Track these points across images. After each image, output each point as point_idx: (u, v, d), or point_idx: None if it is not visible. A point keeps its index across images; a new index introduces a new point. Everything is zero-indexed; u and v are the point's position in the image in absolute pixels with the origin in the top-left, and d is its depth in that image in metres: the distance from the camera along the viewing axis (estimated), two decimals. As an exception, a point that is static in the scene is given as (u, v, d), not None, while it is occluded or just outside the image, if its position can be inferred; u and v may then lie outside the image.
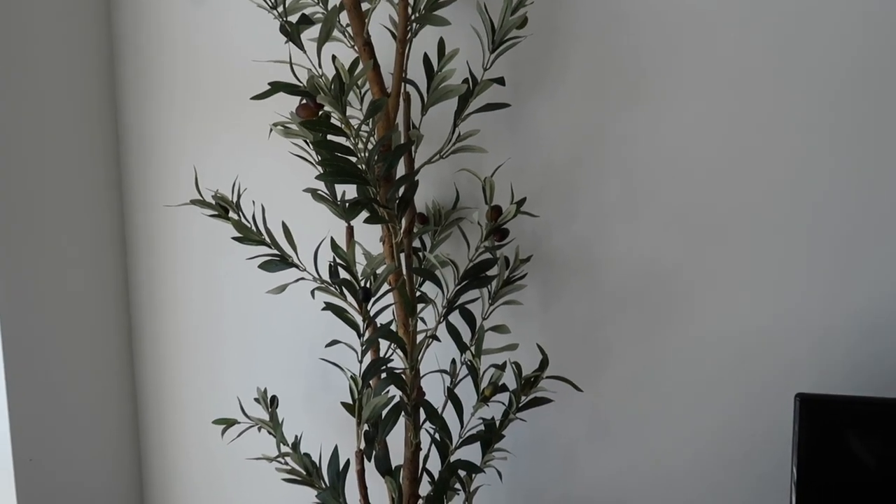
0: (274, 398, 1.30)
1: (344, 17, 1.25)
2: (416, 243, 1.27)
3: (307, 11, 1.18)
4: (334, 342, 1.14)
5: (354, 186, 1.35)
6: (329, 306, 1.11)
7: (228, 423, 1.30)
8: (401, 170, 1.27)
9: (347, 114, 1.06)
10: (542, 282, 1.34)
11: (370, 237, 1.37)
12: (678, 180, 1.25)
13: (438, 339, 1.20)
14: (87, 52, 1.50)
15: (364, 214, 1.13)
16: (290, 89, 1.01)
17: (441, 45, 1.17)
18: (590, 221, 1.30)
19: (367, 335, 1.14)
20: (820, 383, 1.23)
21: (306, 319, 1.49)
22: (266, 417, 1.31)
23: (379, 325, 1.18)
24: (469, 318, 1.25)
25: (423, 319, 1.25)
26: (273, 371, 1.54)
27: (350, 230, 1.23)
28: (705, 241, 1.25)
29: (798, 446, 1.07)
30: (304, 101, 1.05)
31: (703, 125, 1.23)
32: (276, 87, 1.01)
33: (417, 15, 1.14)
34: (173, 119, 1.54)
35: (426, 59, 1.17)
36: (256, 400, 1.30)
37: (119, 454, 1.61)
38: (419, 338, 1.20)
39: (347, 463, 1.22)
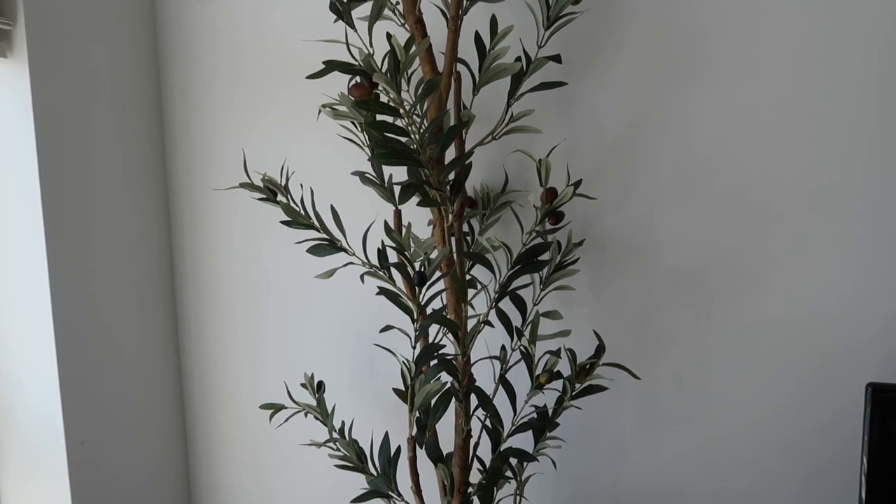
0: (321, 384, 1.29)
1: (393, -5, 1.22)
2: (464, 227, 1.24)
3: (356, -11, 1.15)
4: (388, 328, 1.12)
5: (400, 171, 1.33)
6: (383, 291, 1.09)
7: (276, 408, 1.29)
8: (450, 152, 1.24)
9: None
10: (594, 266, 1.30)
11: (415, 221, 1.35)
12: (736, 160, 1.21)
13: (491, 325, 1.17)
14: (132, 37, 1.49)
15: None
16: (346, 68, 0.98)
17: (493, 22, 1.14)
18: (644, 203, 1.26)
19: (419, 321, 1.12)
20: (886, 370, 1.19)
21: (351, 304, 1.47)
22: (313, 403, 1.30)
23: (429, 311, 1.16)
24: (520, 303, 1.22)
25: (472, 305, 1.22)
26: (318, 356, 1.53)
27: (398, 214, 1.21)
28: (764, 222, 1.21)
29: (869, 436, 1.03)
30: (359, 81, 1.02)
31: (762, 104, 1.18)
32: (332, 65, 0.98)
33: (470, -9, 1.10)
34: (217, 102, 1.53)
35: (478, 38, 1.14)
36: (303, 385, 1.29)
37: (166, 436, 1.62)
38: (470, 323, 1.17)
39: (398, 450, 1.21)
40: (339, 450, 1.22)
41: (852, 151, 1.15)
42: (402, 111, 1.01)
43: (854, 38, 1.12)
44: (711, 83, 1.20)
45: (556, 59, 1.13)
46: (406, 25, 1.10)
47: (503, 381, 1.19)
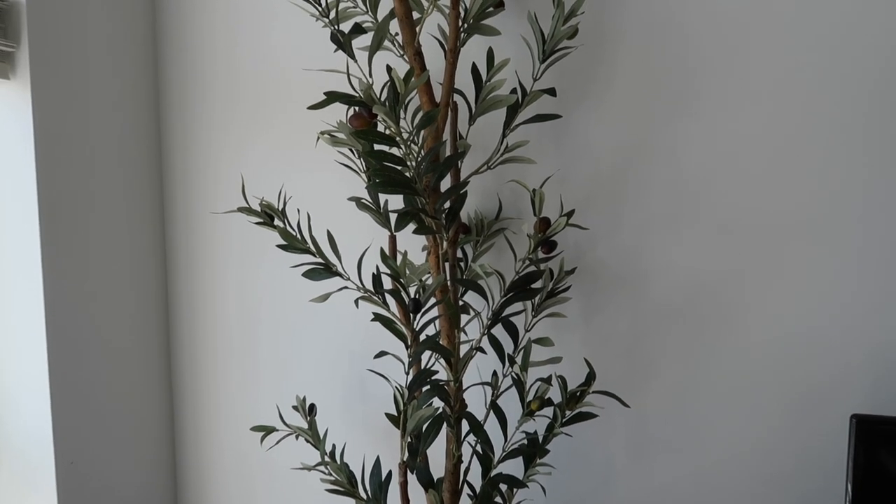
0: (313, 406, 1.30)
1: (393, 26, 1.25)
2: (458, 254, 1.26)
3: (357, 20, 1.18)
4: (382, 353, 1.13)
5: (395, 196, 1.35)
6: (378, 317, 1.10)
7: (267, 430, 1.29)
8: (445, 180, 1.26)
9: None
10: (586, 294, 1.32)
11: (410, 247, 1.37)
12: (726, 191, 1.24)
13: (484, 352, 1.19)
14: (132, 61, 1.51)
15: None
16: (346, 99, 1.00)
17: (490, 54, 1.17)
18: (635, 232, 1.29)
19: (413, 347, 1.13)
20: (870, 400, 1.21)
21: (343, 328, 1.48)
22: (304, 425, 1.30)
23: (422, 337, 1.17)
24: (512, 330, 1.24)
25: (464, 331, 1.24)
26: (311, 379, 1.53)
27: (393, 239, 1.23)
28: (753, 252, 1.24)
29: (853, 465, 1.05)
30: (358, 111, 1.05)
31: (751, 135, 1.21)
32: (333, 97, 1.01)
33: (468, 25, 1.13)
34: (215, 126, 1.55)
35: (475, 70, 1.17)
36: (295, 408, 1.30)
37: (156, 459, 1.62)
38: (463, 349, 1.19)
39: (389, 474, 1.21)
40: (330, 473, 1.22)
41: (839, 184, 1.18)
42: (399, 140, 1.03)
43: (842, 73, 1.16)
44: (701, 116, 1.23)
45: (552, 92, 1.16)
46: (405, 57, 1.13)
47: (494, 407, 1.21)
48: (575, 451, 1.36)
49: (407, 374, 1.12)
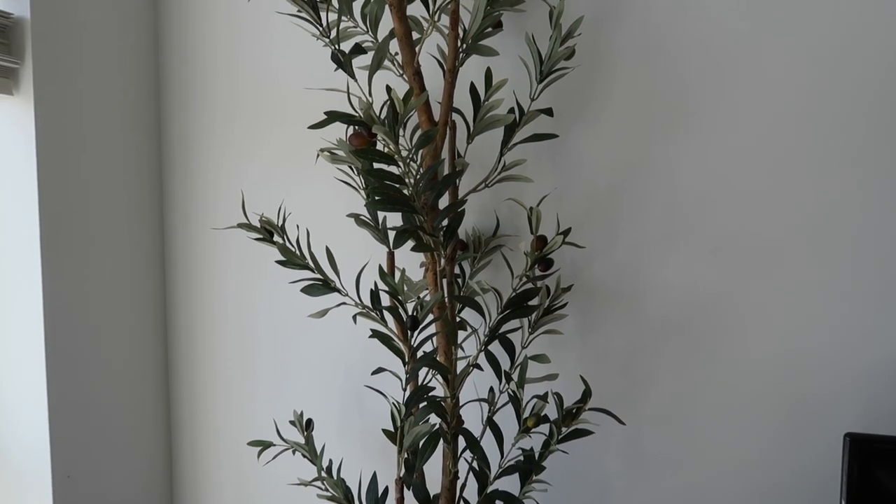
0: (310, 421, 1.30)
1: (393, 46, 1.27)
2: (455, 271, 1.27)
3: (357, 40, 1.20)
4: (380, 370, 1.14)
5: (393, 214, 1.36)
6: (376, 334, 1.11)
7: (264, 445, 1.30)
8: (443, 198, 1.28)
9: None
10: (582, 311, 1.33)
11: (407, 262, 1.38)
12: (721, 209, 1.25)
13: (481, 368, 1.19)
14: (135, 79, 1.53)
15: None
16: (346, 119, 1.02)
17: (488, 74, 1.18)
18: (631, 250, 1.30)
19: (410, 363, 1.13)
20: (864, 417, 1.22)
21: (341, 344, 1.49)
22: (301, 440, 1.31)
23: (419, 353, 1.17)
24: (509, 346, 1.24)
25: (461, 348, 1.24)
26: (308, 395, 1.54)
27: (391, 256, 1.24)
28: (748, 270, 1.25)
29: (847, 483, 1.05)
30: (358, 130, 1.06)
31: (745, 154, 1.23)
32: (333, 116, 1.02)
33: (466, 45, 1.15)
34: (216, 143, 1.56)
35: (473, 89, 1.18)
36: (292, 422, 1.30)
37: (153, 473, 1.62)
38: (460, 366, 1.19)
39: (386, 490, 1.22)
40: (326, 489, 1.22)
41: (833, 201, 1.19)
42: (398, 158, 1.04)
43: (839, 91, 1.17)
44: (696, 135, 1.25)
45: (549, 112, 1.17)
46: (405, 76, 1.14)
47: (491, 424, 1.21)
48: (571, 468, 1.37)
49: (404, 390, 1.12)
